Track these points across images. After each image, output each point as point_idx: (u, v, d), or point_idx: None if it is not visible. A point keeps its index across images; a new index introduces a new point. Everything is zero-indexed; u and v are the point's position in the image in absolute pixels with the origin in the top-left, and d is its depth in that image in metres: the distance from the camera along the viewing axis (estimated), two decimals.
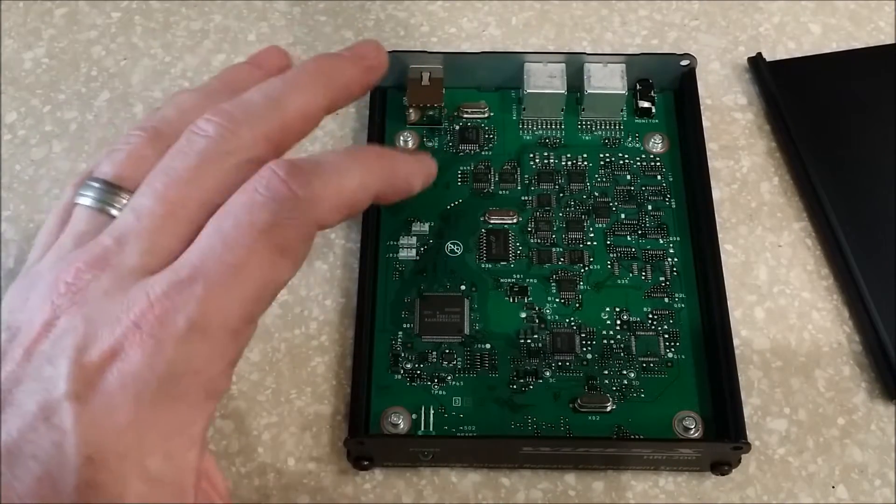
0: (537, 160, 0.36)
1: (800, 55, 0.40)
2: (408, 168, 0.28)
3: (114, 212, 0.24)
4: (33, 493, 0.21)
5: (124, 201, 0.24)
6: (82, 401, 0.22)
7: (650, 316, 0.32)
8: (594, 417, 0.31)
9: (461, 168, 0.36)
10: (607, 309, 0.33)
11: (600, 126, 0.37)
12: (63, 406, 0.22)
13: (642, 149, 0.36)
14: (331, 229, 0.36)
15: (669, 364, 0.32)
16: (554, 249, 0.34)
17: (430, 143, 0.36)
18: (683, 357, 0.32)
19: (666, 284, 0.33)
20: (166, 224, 0.23)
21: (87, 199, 0.24)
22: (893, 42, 0.40)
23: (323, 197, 0.24)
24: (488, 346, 0.32)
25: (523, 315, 0.33)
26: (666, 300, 0.33)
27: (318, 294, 0.34)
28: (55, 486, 0.21)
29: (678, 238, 0.34)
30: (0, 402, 0.22)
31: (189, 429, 0.23)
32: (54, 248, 0.24)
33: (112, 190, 0.24)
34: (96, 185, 0.24)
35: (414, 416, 0.31)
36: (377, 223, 0.34)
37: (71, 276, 0.23)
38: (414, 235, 0.34)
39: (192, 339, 0.22)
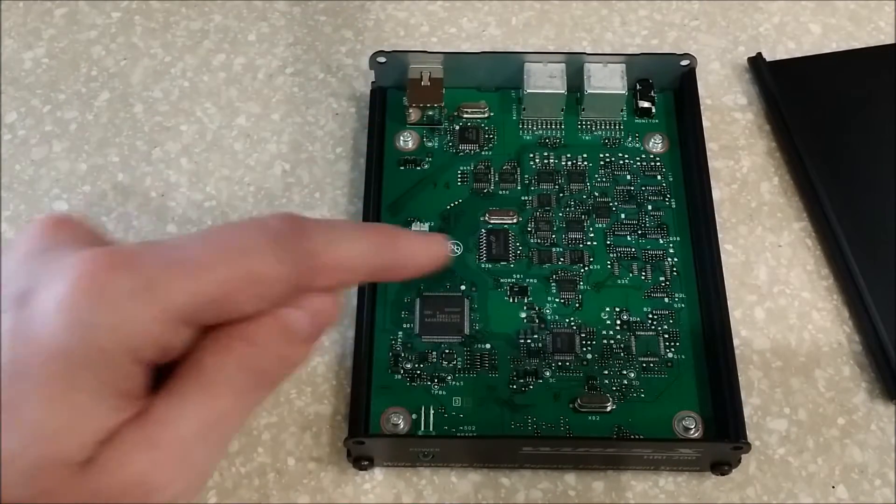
0: (537, 160, 0.36)
1: (800, 55, 0.40)
2: (412, 247, 0.27)
3: None
4: None
5: None
6: (20, 318, 0.23)
7: (650, 316, 0.32)
8: (594, 417, 0.31)
9: (461, 168, 0.36)
10: (607, 309, 0.33)
11: (600, 126, 0.37)
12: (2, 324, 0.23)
13: (642, 149, 0.36)
14: None
15: (669, 364, 0.32)
16: (554, 249, 0.34)
17: (430, 143, 0.36)
18: (683, 357, 0.32)
19: (666, 284, 0.33)
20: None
21: None
22: (893, 42, 0.40)
23: (319, 252, 0.24)
24: (488, 346, 0.32)
25: (523, 315, 0.33)
26: (666, 300, 0.33)
27: None
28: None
29: (678, 238, 0.34)
30: None
31: (119, 384, 0.24)
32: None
33: None
34: None
35: (414, 416, 0.30)
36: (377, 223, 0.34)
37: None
38: None
39: (133, 299, 0.23)
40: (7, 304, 0.23)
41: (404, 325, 0.32)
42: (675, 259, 0.34)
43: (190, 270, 0.23)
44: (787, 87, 0.38)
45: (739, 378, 0.31)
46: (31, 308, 0.23)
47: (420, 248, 0.28)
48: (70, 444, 0.24)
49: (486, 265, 0.33)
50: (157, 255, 0.24)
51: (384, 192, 0.35)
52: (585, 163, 0.36)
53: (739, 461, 0.30)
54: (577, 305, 0.33)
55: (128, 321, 0.23)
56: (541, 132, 0.37)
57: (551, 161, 0.36)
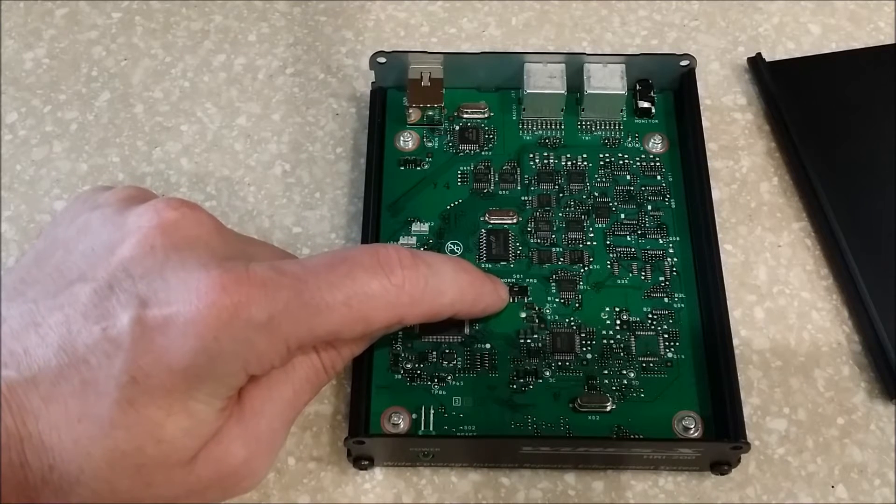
0: (537, 160, 0.36)
1: (799, 55, 0.40)
2: (489, 300, 0.31)
3: None
4: (77, 392, 0.23)
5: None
6: (145, 328, 0.23)
7: (650, 316, 0.33)
8: (594, 417, 0.31)
9: (461, 168, 0.36)
10: (607, 309, 0.33)
11: (600, 126, 0.37)
12: (125, 326, 0.23)
13: (642, 149, 0.36)
14: (332, 230, 0.36)
15: (669, 364, 0.32)
16: (554, 249, 0.34)
17: (430, 143, 0.36)
18: (683, 357, 0.32)
19: (665, 284, 0.33)
20: None
21: None
22: (893, 42, 0.40)
23: (424, 300, 0.28)
24: (488, 345, 0.32)
25: (523, 315, 0.33)
26: (665, 300, 0.33)
27: None
28: (97, 390, 0.23)
29: (678, 238, 0.34)
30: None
31: (228, 392, 0.25)
32: None
33: None
34: None
35: (414, 416, 0.31)
36: (377, 223, 0.34)
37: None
38: (414, 235, 0.34)
39: (260, 331, 0.24)
40: (127, 299, 0.24)
41: None
42: (675, 259, 0.34)
43: (314, 312, 0.25)
44: (786, 88, 0.38)
45: (739, 378, 0.31)
46: (156, 318, 0.24)
47: (495, 300, 0.31)
48: (182, 448, 0.25)
49: (486, 265, 0.34)
50: (287, 287, 0.25)
51: (384, 192, 0.35)
52: (585, 163, 0.36)
53: (739, 461, 0.30)
54: (577, 305, 0.33)
55: (251, 350, 0.25)
56: (541, 132, 0.37)
57: (551, 161, 0.36)
